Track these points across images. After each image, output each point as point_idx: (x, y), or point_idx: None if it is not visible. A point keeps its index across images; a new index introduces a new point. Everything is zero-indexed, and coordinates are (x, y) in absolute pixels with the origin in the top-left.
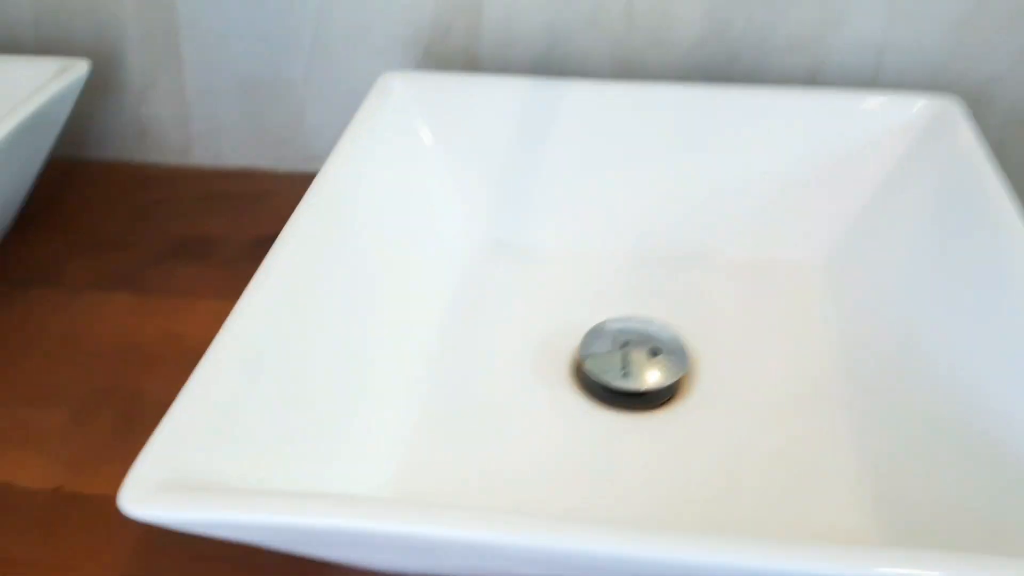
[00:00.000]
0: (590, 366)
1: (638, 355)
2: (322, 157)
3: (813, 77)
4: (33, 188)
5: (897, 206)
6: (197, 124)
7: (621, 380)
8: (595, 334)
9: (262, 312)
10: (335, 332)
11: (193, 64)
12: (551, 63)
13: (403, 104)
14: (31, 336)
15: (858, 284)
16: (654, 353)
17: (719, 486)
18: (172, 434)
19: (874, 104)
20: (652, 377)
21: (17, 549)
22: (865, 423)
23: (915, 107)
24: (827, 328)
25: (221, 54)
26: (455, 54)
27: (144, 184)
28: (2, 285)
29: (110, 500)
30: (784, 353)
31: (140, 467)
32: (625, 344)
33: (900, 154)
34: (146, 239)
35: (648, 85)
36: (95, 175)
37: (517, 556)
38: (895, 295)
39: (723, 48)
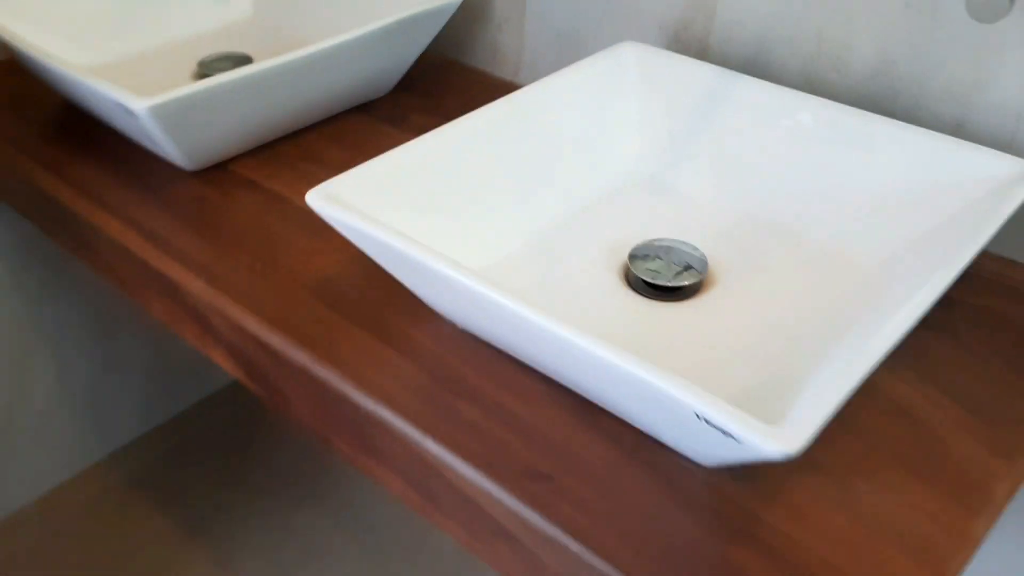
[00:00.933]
0: (632, 264)
1: (669, 264)
2: None
3: (958, 128)
4: (412, 68)
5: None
6: (527, 55)
7: (652, 277)
8: (645, 247)
9: (458, 136)
10: (498, 169)
11: (532, 15)
12: (756, 66)
13: (625, 64)
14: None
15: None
16: (686, 266)
17: (703, 344)
18: (354, 177)
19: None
20: (676, 278)
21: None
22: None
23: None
24: (835, 288)
25: (549, 11)
26: (692, 42)
27: (484, 86)
28: (383, 122)
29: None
30: (776, 286)
31: (324, 186)
32: (666, 254)
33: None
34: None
35: (800, 95)
36: (455, 72)
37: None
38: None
39: (888, 84)
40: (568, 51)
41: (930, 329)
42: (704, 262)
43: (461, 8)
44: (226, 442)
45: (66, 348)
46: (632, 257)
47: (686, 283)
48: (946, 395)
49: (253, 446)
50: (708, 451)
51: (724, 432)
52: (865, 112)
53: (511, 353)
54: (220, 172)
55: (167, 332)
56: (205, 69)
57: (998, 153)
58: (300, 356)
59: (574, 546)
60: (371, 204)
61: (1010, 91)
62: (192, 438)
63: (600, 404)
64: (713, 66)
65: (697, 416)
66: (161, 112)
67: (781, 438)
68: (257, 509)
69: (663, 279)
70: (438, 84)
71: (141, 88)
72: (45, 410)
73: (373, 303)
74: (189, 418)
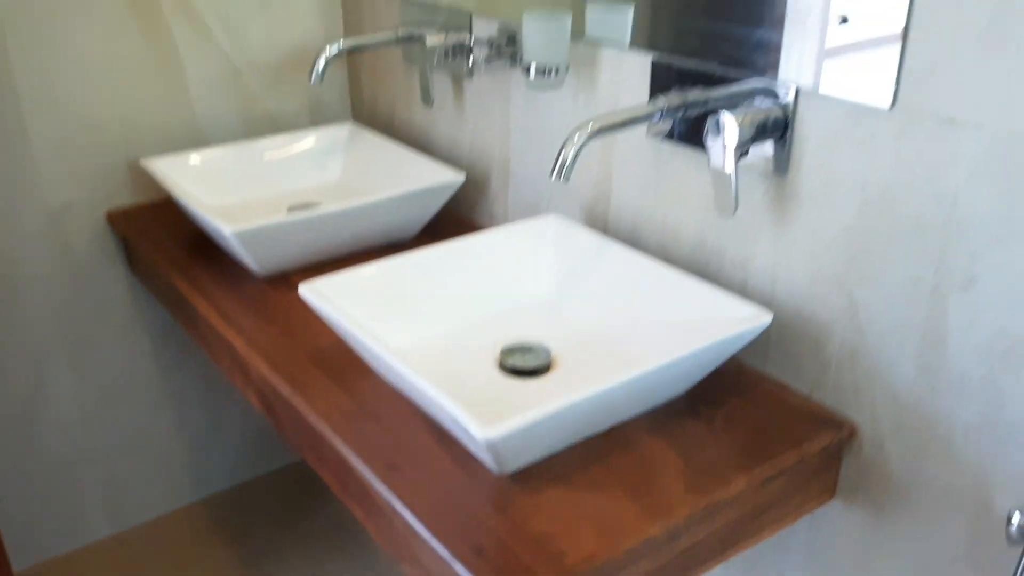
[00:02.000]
0: (503, 355)
1: (527, 355)
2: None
3: (743, 285)
4: (434, 220)
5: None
6: (509, 216)
7: (512, 363)
8: (514, 344)
9: (416, 261)
10: (438, 285)
11: (513, 193)
12: (634, 237)
13: (546, 228)
14: None
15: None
16: (533, 353)
17: (531, 400)
18: (336, 280)
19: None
20: (530, 362)
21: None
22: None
23: (739, 312)
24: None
25: (522, 190)
26: (599, 217)
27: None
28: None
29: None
30: (590, 372)
31: (314, 282)
32: (523, 350)
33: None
34: None
35: (645, 257)
36: (463, 225)
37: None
38: None
39: (703, 256)
40: (532, 215)
41: (697, 418)
42: (550, 354)
43: (469, 183)
44: (292, 502)
45: (185, 405)
46: (503, 351)
47: (533, 367)
48: (679, 454)
49: (310, 508)
50: (473, 445)
51: (457, 421)
52: (680, 271)
53: (403, 393)
54: (280, 278)
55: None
56: (290, 211)
57: (742, 301)
58: (287, 391)
59: (407, 514)
60: (344, 300)
61: (767, 261)
62: (267, 496)
63: (440, 423)
64: (600, 235)
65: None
66: (242, 236)
67: (483, 428)
68: (307, 555)
69: (519, 364)
70: (448, 232)
71: (240, 220)
72: (164, 449)
73: (342, 363)
74: (267, 480)
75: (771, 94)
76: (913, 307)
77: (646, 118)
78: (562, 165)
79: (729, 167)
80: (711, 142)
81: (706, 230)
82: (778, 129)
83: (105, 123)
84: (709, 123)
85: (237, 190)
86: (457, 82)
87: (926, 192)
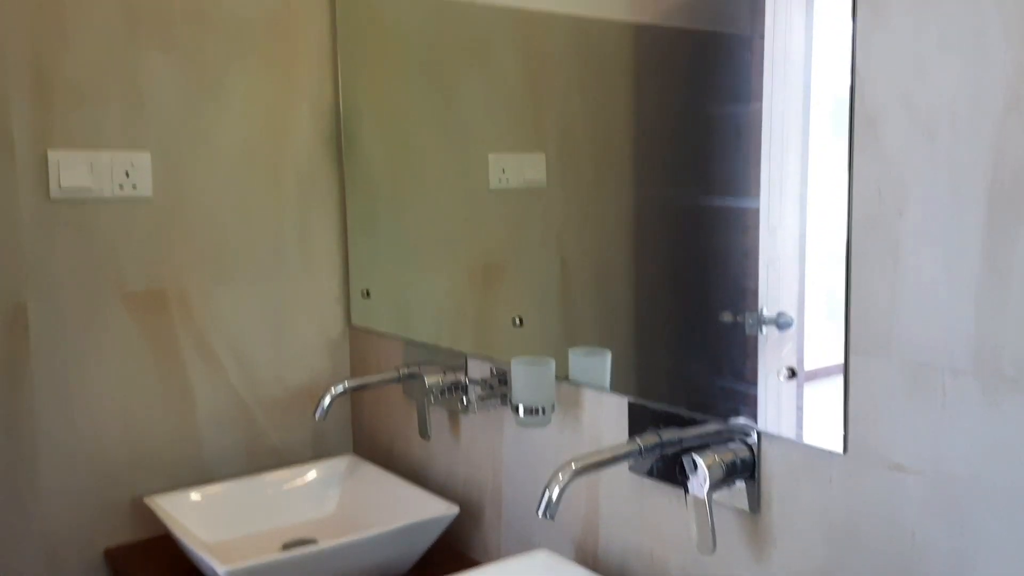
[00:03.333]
0: None
1: None
2: None
3: None
4: (429, 550)
5: None
6: (503, 551)
7: None
8: None
9: None
10: None
11: (505, 527)
12: (624, 570)
13: (536, 564)
14: None
15: None
16: None
17: None
18: None
19: None
20: None
21: None
22: None
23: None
24: None
25: (515, 520)
26: (588, 552)
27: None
28: None
29: None
30: None
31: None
32: None
33: None
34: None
35: None
36: (460, 560)
37: None
38: None
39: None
40: (525, 547)
41: None
42: None
43: (464, 514)
44: None
45: None
46: None
47: None
48: None
49: None
50: None
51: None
52: None
53: None
54: None
55: None
56: (285, 549)
57: None
58: None
59: None
60: None
61: None
62: None
63: None
64: (589, 573)
65: None
66: (234, 573)
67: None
68: None
69: None
70: (442, 566)
71: (236, 558)
72: None
73: None
74: None
75: (739, 436)
76: None
77: (625, 457)
78: (548, 504)
79: (704, 507)
80: (687, 481)
81: (690, 566)
82: (747, 469)
83: (113, 461)
84: (685, 463)
85: (236, 525)
86: (453, 417)
87: (887, 529)
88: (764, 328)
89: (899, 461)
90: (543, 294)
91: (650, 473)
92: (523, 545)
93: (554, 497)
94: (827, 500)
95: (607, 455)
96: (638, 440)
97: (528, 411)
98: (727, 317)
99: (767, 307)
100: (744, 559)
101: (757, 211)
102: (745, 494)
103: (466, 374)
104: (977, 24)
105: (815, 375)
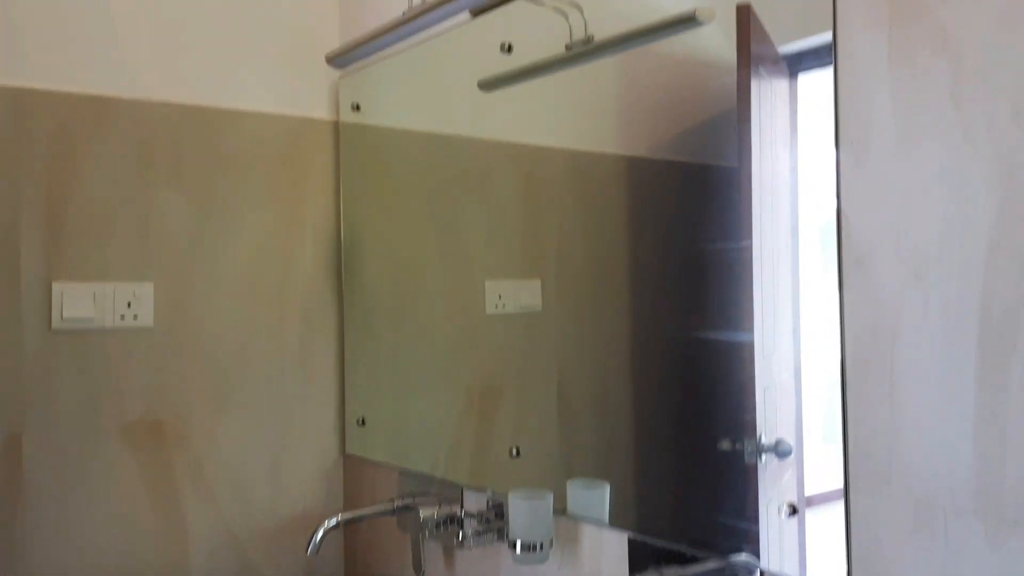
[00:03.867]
0: None
1: None
2: None
3: None
4: None
5: None
6: None
7: None
8: None
9: None
10: None
11: None
12: None
13: None
14: None
15: None
16: None
17: None
18: None
19: None
20: None
21: None
22: None
23: None
24: None
25: None
26: None
27: None
28: None
29: None
30: None
31: None
32: None
33: None
34: None
35: None
36: None
37: None
38: None
39: None
40: None
41: None
42: None
43: None
44: None
45: None
46: None
47: None
48: None
49: None
50: None
51: None
52: None
53: None
54: None
55: None
56: None
57: None
58: None
59: None
60: None
61: None
62: None
63: None
64: None
65: None
66: None
67: None
68: None
69: None
70: None
71: None
72: None
73: None
74: None
75: (742, 573)
76: None
77: None
78: None
79: None
80: None
81: None
82: None
83: None
84: None
85: None
86: (448, 552)
87: None
88: (763, 456)
89: None
90: (540, 422)
91: None
92: None
93: None
94: None
95: None
96: None
97: (526, 547)
98: (726, 445)
99: (765, 434)
100: None
101: (752, 343)
102: None
103: (462, 507)
104: (959, 164)
105: (814, 500)
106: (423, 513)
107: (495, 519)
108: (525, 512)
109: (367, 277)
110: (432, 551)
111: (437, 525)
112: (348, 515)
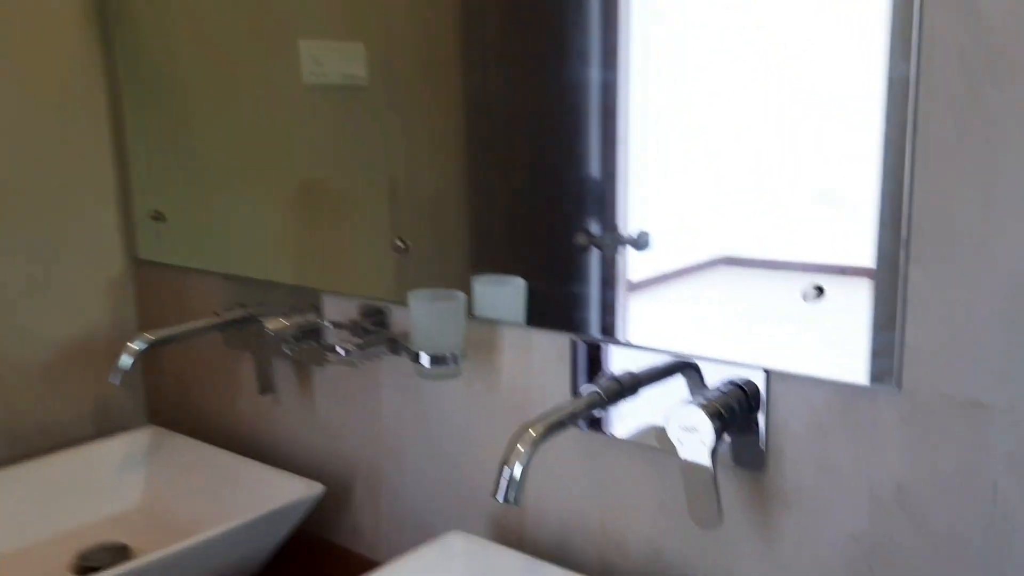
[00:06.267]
0: None
1: None
2: None
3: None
4: (284, 544)
5: None
6: (382, 535)
7: None
8: None
9: None
10: None
11: (386, 502)
12: (562, 552)
13: (452, 552)
14: None
15: None
16: None
17: None
18: None
19: None
20: None
21: None
22: None
23: None
24: None
25: (399, 499)
26: (512, 530)
27: (342, 564)
28: None
29: None
30: None
31: None
32: None
33: None
34: None
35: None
36: (319, 548)
37: None
38: None
39: (663, 569)
40: (415, 532)
41: None
42: None
43: (327, 494)
44: None
45: None
46: None
47: None
48: None
49: None
50: None
51: None
52: None
53: None
54: None
55: None
56: (85, 561)
57: None
58: None
59: None
60: None
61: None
62: None
63: None
64: (523, 555)
65: None
66: None
67: None
68: None
69: None
70: (304, 560)
71: None
72: None
73: None
74: None
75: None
76: None
77: (587, 410)
78: (509, 485)
79: (704, 471)
80: (678, 438)
81: (662, 539)
82: (744, 416)
83: None
84: (670, 417)
85: (6, 536)
86: (302, 370)
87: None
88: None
89: (979, 397)
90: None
91: (594, 424)
92: (412, 528)
93: (517, 475)
94: (865, 453)
95: (566, 411)
96: (598, 388)
97: (437, 360)
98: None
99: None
100: (744, 531)
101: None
102: (740, 450)
103: (321, 316)
104: None
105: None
106: (271, 326)
107: (376, 328)
108: (432, 316)
109: (145, 38)
110: (282, 371)
111: (296, 339)
112: (162, 333)
